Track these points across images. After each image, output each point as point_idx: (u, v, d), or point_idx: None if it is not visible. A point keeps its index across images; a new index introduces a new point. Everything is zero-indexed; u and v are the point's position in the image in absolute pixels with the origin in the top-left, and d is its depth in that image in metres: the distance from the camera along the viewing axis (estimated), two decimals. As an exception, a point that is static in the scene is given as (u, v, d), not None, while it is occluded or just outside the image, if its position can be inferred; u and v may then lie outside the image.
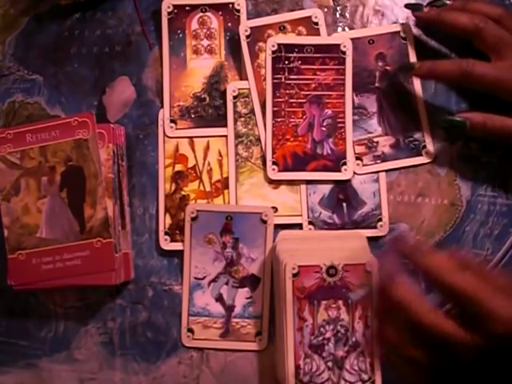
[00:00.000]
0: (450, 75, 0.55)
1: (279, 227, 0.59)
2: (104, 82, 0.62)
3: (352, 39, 0.60)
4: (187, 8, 0.61)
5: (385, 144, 0.60)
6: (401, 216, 0.60)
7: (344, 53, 0.60)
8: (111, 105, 0.61)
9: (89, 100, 0.62)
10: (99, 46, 0.62)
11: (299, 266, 0.51)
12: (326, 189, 0.60)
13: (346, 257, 0.52)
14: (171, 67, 0.61)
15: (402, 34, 0.61)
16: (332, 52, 0.60)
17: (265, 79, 0.60)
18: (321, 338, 0.51)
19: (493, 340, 0.42)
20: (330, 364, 0.51)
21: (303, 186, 0.60)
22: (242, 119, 0.60)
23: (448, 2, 0.57)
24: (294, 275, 0.51)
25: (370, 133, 0.60)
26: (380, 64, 0.60)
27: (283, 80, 0.60)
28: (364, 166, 0.60)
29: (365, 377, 0.50)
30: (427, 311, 0.46)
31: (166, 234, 0.60)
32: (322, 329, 0.51)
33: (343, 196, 0.60)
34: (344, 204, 0.60)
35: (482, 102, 0.57)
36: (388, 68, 0.61)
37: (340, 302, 0.51)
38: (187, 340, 0.59)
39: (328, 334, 0.51)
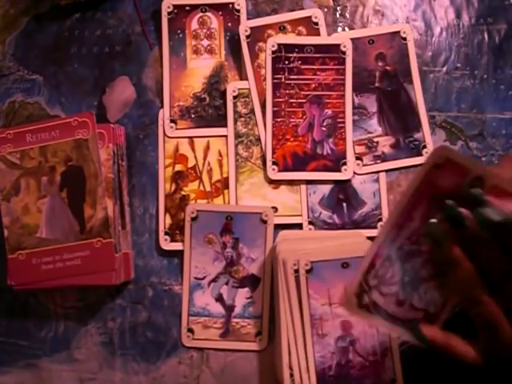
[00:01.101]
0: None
1: (279, 227, 0.59)
2: (104, 81, 0.62)
3: (352, 39, 0.60)
4: (187, 8, 0.61)
5: (385, 144, 0.60)
6: (401, 216, 0.60)
7: (344, 53, 0.60)
8: (111, 105, 0.61)
9: (89, 100, 0.62)
10: (99, 46, 0.62)
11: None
12: (326, 189, 0.60)
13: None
14: (171, 67, 0.61)
15: (401, 34, 0.61)
16: (332, 52, 0.60)
17: (265, 79, 0.60)
18: (414, 248, 0.42)
19: None
20: (406, 280, 0.43)
21: (303, 186, 0.60)
22: (242, 119, 0.60)
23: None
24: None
25: (370, 133, 0.60)
26: (380, 64, 0.61)
27: (283, 80, 0.60)
28: (364, 165, 0.60)
29: (431, 310, 0.43)
30: None
31: (166, 234, 0.60)
32: (420, 239, 0.42)
33: (343, 196, 0.60)
34: (344, 204, 0.60)
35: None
36: (388, 68, 0.61)
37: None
38: (187, 340, 0.59)
39: (423, 250, 0.42)
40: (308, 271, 0.52)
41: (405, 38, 0.61)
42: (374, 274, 0.42)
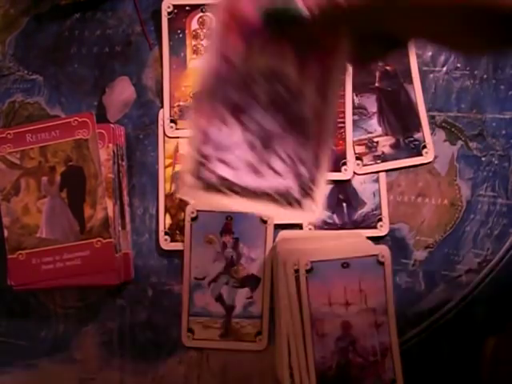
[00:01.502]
0: None
1: (279, 227, 0.59)
2: (104, 82, 0.62)
3: (352, 39, 0.60)
4: (187, 8, 0.61)
5: (385, 144, 0.60)
6: (401, 216, 0.60)
7: (344, 53, 0.60)
8: (111, 105, 0.61)
9: (89, 100, 0.62)
10: (99, 46, 0.62)
11: None
12: (325, 189, 0.60)
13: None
14: (171, 67, 0.61)
15: (401, 34, 0.61)
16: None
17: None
18: (249, 93, 0.33)
19: None
20: (251, 139, 0.33)
21: (303, 186, 0.60)
22: (242, 119, 0.60)
23: None
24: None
25: (370, 133, 0.60)
26: (380, 64, 0.60)
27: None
28: (364, 165, 0.60)
29: (303, 172, 0.34)
30: None
31: (165, 234, 0.60)
32: (255, 79, 0.33)
33: (343, 196, 0.60)
34: (344, 204, 0.60)
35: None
36: (388, 68, 0.61)
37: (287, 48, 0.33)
38: (187, 340, 0.59)
39: (261, 92, 0.33)
40: (308, 271, 0.52)
41: (405, 38, 0.61)
42: (203, 140, 0.33)
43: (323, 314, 0.53)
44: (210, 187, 0.33)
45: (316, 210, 0.34)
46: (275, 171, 0.33)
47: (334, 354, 0.53)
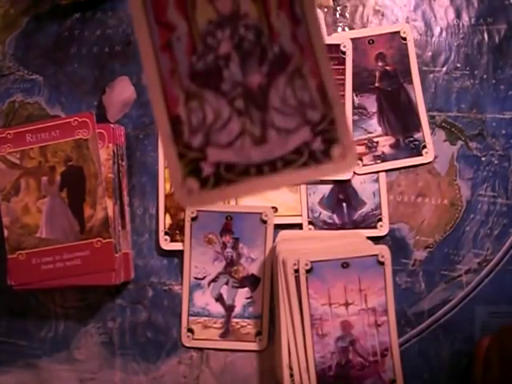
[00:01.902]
0: None
1: (279, 227, 0.59)
2: (104, 82, 0.62)
3: (352, 39, 0.60)
4: (187, 8, 0.61)
5: (385, 144, 0.60)
6: (401, 216, 0.60)
7: (344, 53, 0.60)
8: (111, 105, 0.61)
9: (89, 100, 0.62)
10: (99, 46, 0.62)
11: None
12: (326, 189, 0.60)
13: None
14: (171, 67, 0.61)
15: (401, 34, 0.61)
16: (332, 52, 0.60)
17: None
18: (211, 58, 0.27)
19: None
20: (238, 104, 0.27)
21: (303, 186, 0.60)
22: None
23: None
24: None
25: (370, 133, 0.60)
26: (380, 64, 0.61)
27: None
28: (364, 166, 0.60)
29: (313, 116, 0.27)
30: None
31: (165, 234, 0.60)
32: (209, 39, 0.27)
33: (343, 196, 0.60)
34: (344, 204, 0.60)
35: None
36: (388, 68, 0.61)
37: None
38: (187, 340, 0.59)
39: (224, 48, 0.27)
40: (308, 271, 0.52)
41: (405, 38, 0.61)
42: (189, 129, 0.27)
43: (323, 314, 0.53)
44: (219, 182, 0.27)
45: (349, 154, 0.27)
46: (280, 129, 0.27)
47: (334, 354, 0.53)
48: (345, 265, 0.54)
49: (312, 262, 0.53)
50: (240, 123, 0.27)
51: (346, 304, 0.53)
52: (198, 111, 0.27)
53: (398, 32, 0.61)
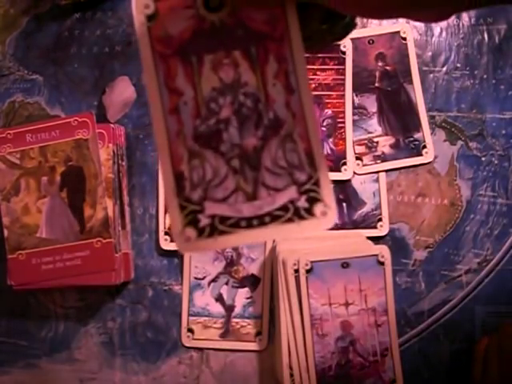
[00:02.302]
0: None
1: (279, 227, 0.59)
2: (104, 82, 0.62)
3: (352, 39, 0.60)
4: (187, 8, 0.61)
5: (385, 144, 0.60)
6: (401, 216, 0.60)
7: (344, 53, 0.60)
8: (111, 105, 0.61)
9: (89, 100, 0.62)
10: (99, 46, 0.62)
11: None
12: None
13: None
14: (171, 67, 0.61)
15: (401, 34, 0.61)
16: (332, 52, 0.60)
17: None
18: (213, 122, 0.31)
19: None
20: (234, 164, 0.30)
21: (303, 186, 0.59)
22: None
23: None
24: None
25: (370, 133, 0.60)
26: (380, 64, 0.61)
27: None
28: (364, 165, 0.60)
29: (300, 177, 0.31)
30: None
31: (166, 234, 0.60)
32: (212, 104, 0.31)
33: (343, 196, 0.60)
34: (344, 204, 0.60)
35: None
36: (388, 68, 0.61)
37: (237, 54, 0.31)
38: (187, 340, 0.59)
39: (225, 113, 0.31)
40: (308, 271, 0.52)
41: (405, 38, 0.61)
42: (190, 185, 0.30)
43: (323, 313, 0.53)
44: (213, 232, 0.30)
45: (329, 212, 0.31)
46: (270, 187, 0.31)
47: (334, 354, 0.53)
48: (345, 265, 0.54)
49: (312, 261, 0.53)
50: (235, 181, 0.30)
51: (346, 304, 0.53)
52: (199, 169, 0.30)
53: (398, 32, 0.61)
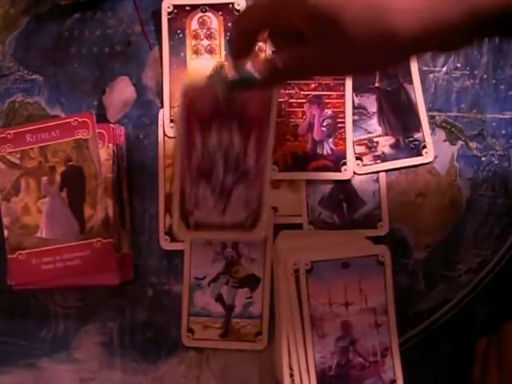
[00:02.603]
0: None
1: (279, 227, 0.59)
2: (104, 82, 0.62)
3: (352, 39, 0.60)
4: (187, 8, 0.61)
5: (385, 144, 0.60)
6: (401, 216, 0.60)
7: (344, 53, 0.60)
8: (111, 105, 0.61)
9: (89, 100, 0.62)
10: (99, 46, 0.62)
11: None
12: (326, 189, 0.60)
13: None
14: (171, 67, 0.61)
15: (401, 34, 0.61)
16: (332, 52, 0.60)
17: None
18: (209, 164, 0.50)
19: None
20: (216, 191, 0.51)
21: (303, 186, 0.60)
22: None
23: None
24: None
25: (370, 133, 0.60)
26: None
27: (283, 80, 0.60)
28: (364, 166, 0.60)
29: (251, 207, 0.51)
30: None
31: (166, 234, 0.60)
32: (211, 154, 0.50)
33: (343, 196, 0.60)
34: (344, 204, 0.60)
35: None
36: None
37: (233, 127, 0.50)
38: (187, 340, 0.59)
39: (217, 160, 0.50)
40: (308, 271, 0.52)
41: (405, 38, 0.61)
42: (188, 200, 0.51)
43: (323, 313, 0.53)
44: (196, 228, 0.52)
45: (261, 228, 0.52)
46: (234, 209, 0.51)
47: (334, 354, 0.53)
48: (345, 265, 0.54)
49: (312, 261, 0.53)
50: (214, 201, 0.51)
51: (346, 304, 0.53)
52: (195, 190, 0.51)
53: (398, 32, 0.61)
